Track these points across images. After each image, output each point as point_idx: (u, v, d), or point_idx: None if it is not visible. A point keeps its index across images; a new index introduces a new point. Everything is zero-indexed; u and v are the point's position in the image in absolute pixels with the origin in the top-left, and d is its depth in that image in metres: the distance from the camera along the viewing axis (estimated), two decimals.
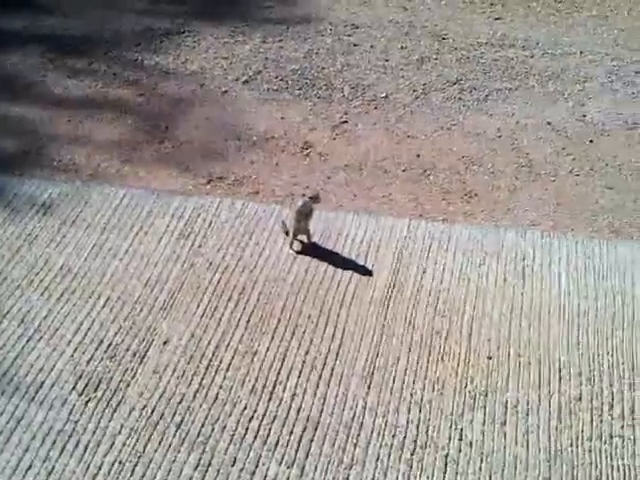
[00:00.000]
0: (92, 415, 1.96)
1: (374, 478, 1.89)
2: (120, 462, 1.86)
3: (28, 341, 2.15)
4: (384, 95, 3.42)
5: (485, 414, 2.02)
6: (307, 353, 2.20)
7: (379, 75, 3.56)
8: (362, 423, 2.02)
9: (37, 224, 2.54)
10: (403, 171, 3.00)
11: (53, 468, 1.84)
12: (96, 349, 2.14)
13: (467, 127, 3.23)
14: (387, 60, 3.66)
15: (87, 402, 2.00)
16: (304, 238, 2.56)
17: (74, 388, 2.03)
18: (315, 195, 2.55)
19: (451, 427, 1.99)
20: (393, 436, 1.99)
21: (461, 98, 3.39)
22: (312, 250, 2.54)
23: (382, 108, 3.34)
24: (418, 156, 3.08)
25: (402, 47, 3.78)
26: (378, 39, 3.82)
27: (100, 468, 1.84)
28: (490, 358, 2.19)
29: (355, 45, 3.76)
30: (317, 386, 2.11)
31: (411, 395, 2.10)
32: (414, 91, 3.46)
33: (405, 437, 1.98)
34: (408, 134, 3.20)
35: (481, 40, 3.79)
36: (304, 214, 2.50)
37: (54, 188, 2.71)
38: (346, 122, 3.25)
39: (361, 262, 2.54)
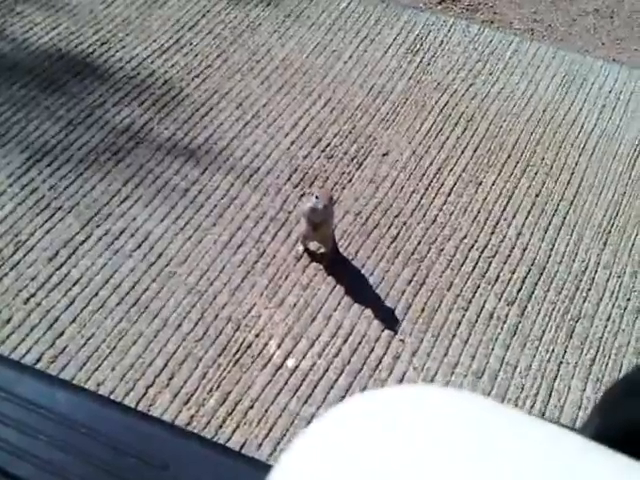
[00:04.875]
0: None
1: (602, 337, 1.68)
2: (332, 260, 1.76)
3: (245, 125, 2.05)
4: None
5: None
6: (537, 195, 1.97)
7: None
8: (594, 279, 1.79)
9: (261, 13, 2.39)
10: None
11: (264, 251, 1.76)
12: (313, 147, 2.01)
13: None
14: None
15: (301, 196, 1.89)
16: (317, 246, 1.74)
17: (289, 179, 1.93)
18: (326, 196, 1.63)
19: None
20: (628, 300, 1.76)
21: None
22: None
23: None
24: None
25: None
26: None
27: (311, 261, 1.75)
28: None
29: None
30: (546, 231, 1.89)
31: None
32: None
33: None
34: None
35: None
36: (314, 222, 1.66)
37: None
38: None
39: (607, 113, 2.21)
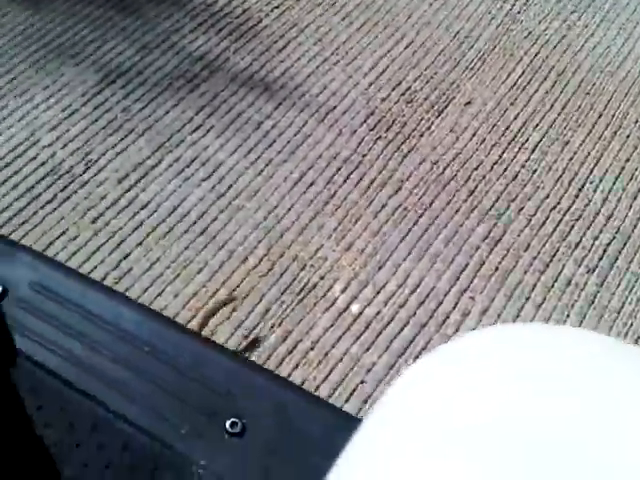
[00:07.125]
0: (381, 153, 1.79)
1: None
2: (405, 208, 1.69)
3: (324, 62, 1.97)
4: None
5: None
6: (628, 160, 1.85)
7: None
8: None
9: None
10: None
11: (335, 193, 1.70)
12: (392, 89, 1.93)
13: None
14: None
15: (377, 139, 1.81)
16: None
17: (365, 122, 1.85)
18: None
19: None
20: None
21: None
22: None
23: None
24: None
25: None
26: None
27: (383, 207, 1.69)
28: None
29: None
30: (634, 198, 1.78)
31: None
32: None
33: None
34: None
35: None
36: None
37: None
38: None
39: None
